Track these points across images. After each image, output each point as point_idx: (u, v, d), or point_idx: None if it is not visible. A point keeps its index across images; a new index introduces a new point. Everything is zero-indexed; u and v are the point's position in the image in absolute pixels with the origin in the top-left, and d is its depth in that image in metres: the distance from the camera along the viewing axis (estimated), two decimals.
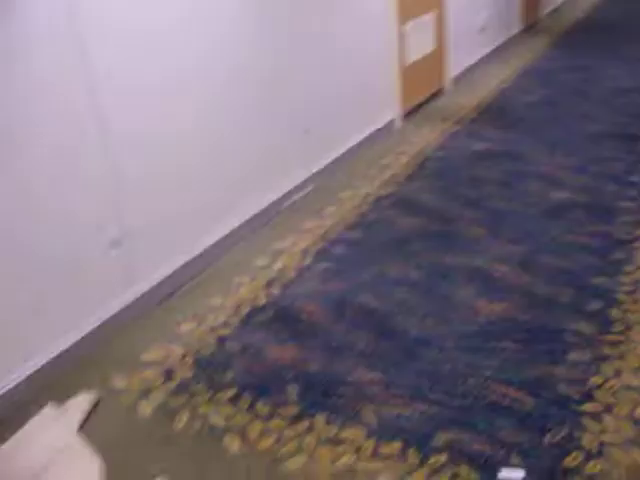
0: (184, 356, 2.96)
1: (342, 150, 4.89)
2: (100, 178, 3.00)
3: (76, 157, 2.88)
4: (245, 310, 3.25)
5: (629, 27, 9.24)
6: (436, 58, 6.39)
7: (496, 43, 8.04)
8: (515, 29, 8.78)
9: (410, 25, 5.69)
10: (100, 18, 2.88)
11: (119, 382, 2.82)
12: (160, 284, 3.37)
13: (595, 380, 2.65)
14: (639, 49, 7.92)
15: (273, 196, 4.17)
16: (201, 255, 3.62)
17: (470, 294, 3.25)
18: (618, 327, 2.96)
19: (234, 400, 2.68)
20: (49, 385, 2.81)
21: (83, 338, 3.00)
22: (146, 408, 2.67)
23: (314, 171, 4.57)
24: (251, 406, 2.64)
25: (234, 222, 3.85)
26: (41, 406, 2.67)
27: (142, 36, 3.09)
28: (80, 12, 2.78)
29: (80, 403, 2.66)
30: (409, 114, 5.89)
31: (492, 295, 3.23)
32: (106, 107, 2.96)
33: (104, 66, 2.92)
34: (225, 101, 3.67)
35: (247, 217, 3.95)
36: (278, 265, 3.62)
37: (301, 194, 4.42)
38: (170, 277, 3.43)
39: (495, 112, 5.96)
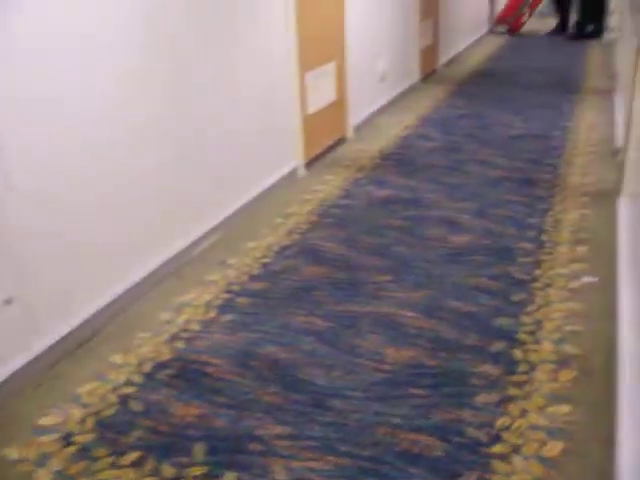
0: (84, 418, 2.82)
1: (246, 199, 4.87)
2: None
3: None
4: (148, 367, 3.14)
5: (520, 77, 9.71)
6: (338, 107, 6.49)
7: (396, 92, 8.27)
8: (414, 78, 9.06)
9: (311, 74, 5.77)
10: None
11: (13, 451, 2.65)
12: (58, 343, 3.22)
13: (502, 422, 2.68)
14: (529, 97, 8.33)
15: (177, 247, 4.09)
16: (103, 310, 3.49)
17: (377, 342, 3.25)
18: (522, 367, 3.01)
19: (138, 463, 2.56)
20: None
21: None
22: (43, 478, 2.51)
23: (218, 221, 4.51)
24: (156, 469, 2.53)
25: (137, 275, 3.74)
26: None
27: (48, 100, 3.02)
28: None
29: None
30: (312, 162, 5.94)
31: (398, 342, 3.24)
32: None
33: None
34: (127, 151, 3.59)
35: (151, 269, 3.85)
36: (182, 318, 3.53)
37: (205, 245, 4.35)
38: (69, 335, 3.28)
39: (397, 159, 6.07)
